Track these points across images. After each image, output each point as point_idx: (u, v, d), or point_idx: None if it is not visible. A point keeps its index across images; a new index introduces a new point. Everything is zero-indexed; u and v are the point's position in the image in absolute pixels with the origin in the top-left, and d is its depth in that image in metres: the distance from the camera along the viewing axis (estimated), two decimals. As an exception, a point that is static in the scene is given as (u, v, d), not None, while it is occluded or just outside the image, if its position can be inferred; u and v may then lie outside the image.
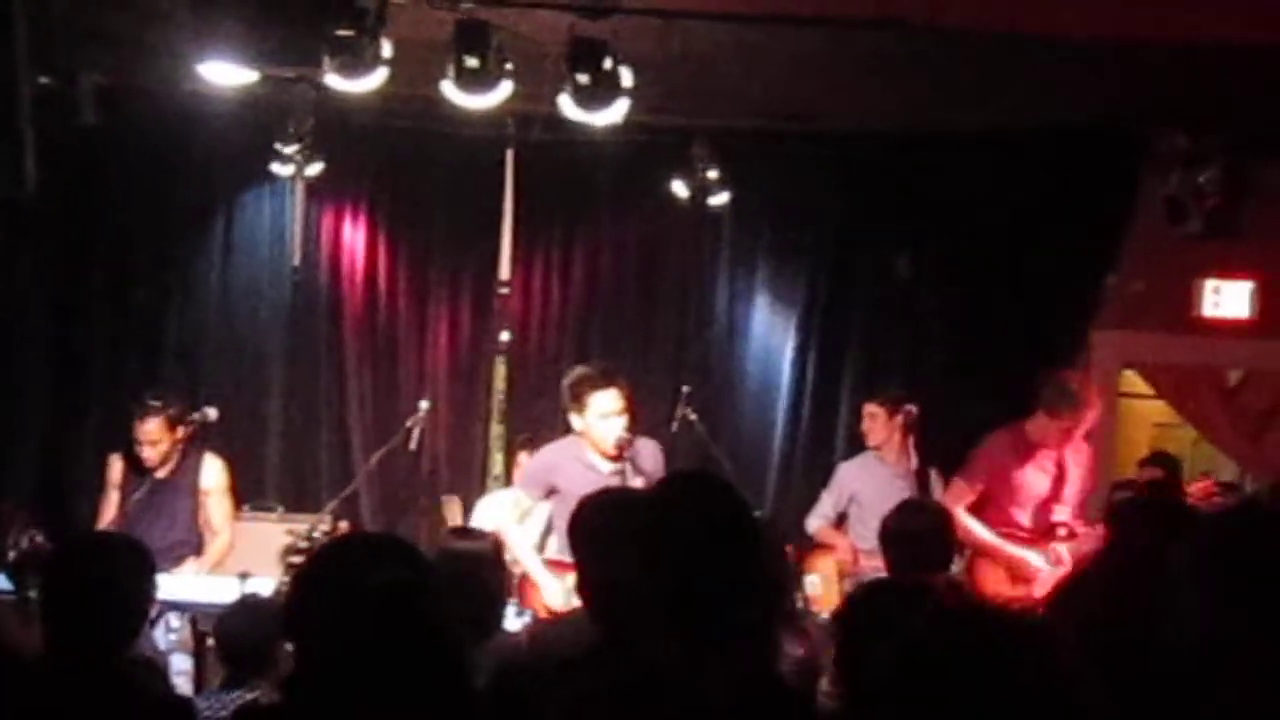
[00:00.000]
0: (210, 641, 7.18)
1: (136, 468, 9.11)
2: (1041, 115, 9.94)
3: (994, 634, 2.87)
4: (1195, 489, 9.43)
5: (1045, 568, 8.96)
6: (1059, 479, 9.18)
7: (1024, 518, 9.19)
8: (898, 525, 6.87)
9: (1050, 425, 9.10)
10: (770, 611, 3.76)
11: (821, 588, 9.16)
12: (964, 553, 8.94)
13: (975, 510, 9.22)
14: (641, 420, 8.48)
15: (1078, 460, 9.23)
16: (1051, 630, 3.05)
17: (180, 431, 9.11)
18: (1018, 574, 9.04)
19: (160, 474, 9.08)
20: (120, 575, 4.56)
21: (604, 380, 8.18)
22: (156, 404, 9.10)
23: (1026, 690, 2.76)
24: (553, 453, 8.60)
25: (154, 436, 9.01)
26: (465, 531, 6.39)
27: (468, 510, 10.38)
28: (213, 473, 9.41)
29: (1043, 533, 9.13)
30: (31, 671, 4.28)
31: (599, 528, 4.66)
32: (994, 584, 9.00)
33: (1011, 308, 10.97)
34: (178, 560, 8.86)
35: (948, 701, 2.76)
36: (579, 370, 8.48)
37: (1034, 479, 9.21)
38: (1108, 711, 2.93)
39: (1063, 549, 9.00)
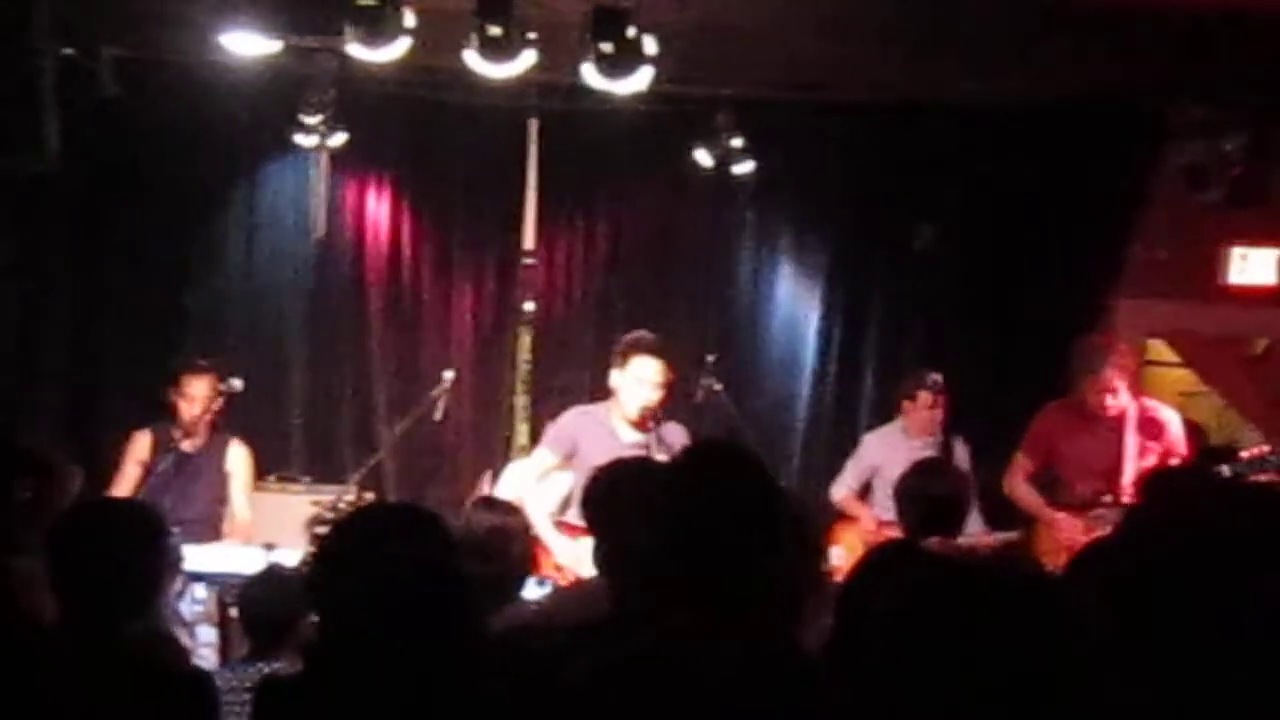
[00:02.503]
0: (234, 613, 7.18)
1: (165, 444, 9.11)
2: (1064, 84, 9.90)
3: (980, 586, 2.88)
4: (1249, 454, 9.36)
5: (1081, 534, 8.99)
6: (1117, 449, 9.15)
7: (1083, 487, 9.19)
8: (914, 486, 6.88)
9: (1089, 390, 9.12)
10: (792, 581, 3.75)
11: (846, 559, 9.16)
12: (1025, 521, 9.37)
13: (1043, 481, 9.39)
14: (671, 390, 8.52)
15: (1149, 432, 9.19)
16: (1046, 583, 3.06)
17: (220, 399, 9.15)
18: (1060, 540, 9.05)
19: (187, 447, 9.10)
20: (127, 543, 4.54)
21: (653, 349, 8.38)
22: (205, 364, 9.16)
23: (1015, 641, 2.77)
24: (580, 414, 8.68)
25: (203, 393, 9.05)
26: (490, 502, 6.38)
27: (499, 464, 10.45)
28: (239, 458, 9.44)
29: (1094, 501, 9.13)
30: (43, 641, 4.28)
31: (618, 495, 4.65)
32: (1046, 550, 9.03)
33: (1034, 277, 10.95)
34: (196, 536, 8.87)
35: (936, 651, 2.77)
36: (636, 333, 8.68)
37: (1088, 449, 9.23)
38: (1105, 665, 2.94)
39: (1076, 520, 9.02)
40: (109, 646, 4.28)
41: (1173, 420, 9.33)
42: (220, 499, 9.33)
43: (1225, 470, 8.60)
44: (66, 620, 4.40)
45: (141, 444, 9.23)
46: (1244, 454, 8.94)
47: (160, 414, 9.29)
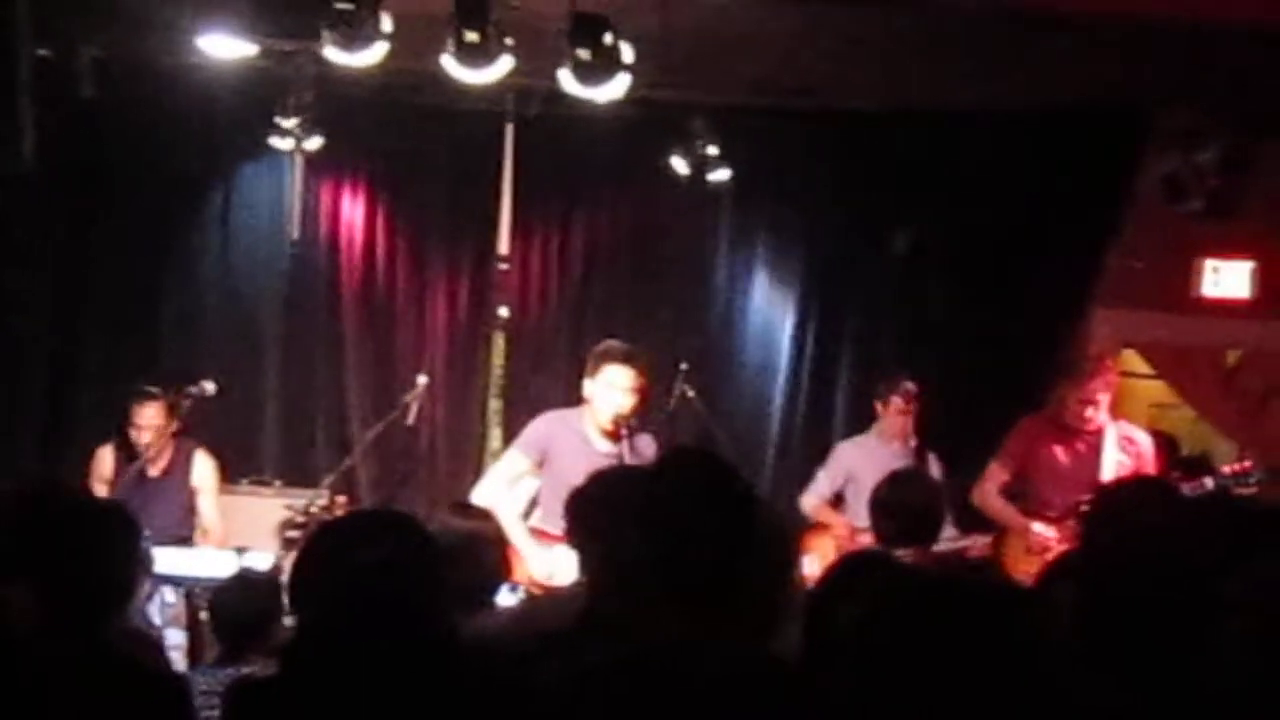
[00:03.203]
0: (204, 616, 7.17)
1: (129, 460, 9.10)
2: (1043, 93, 9.92)
3: (943, 597, 2.91)
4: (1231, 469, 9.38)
5: (1054, 540, 9.03)
6: (1092, 461, 9.18)
7: (1058, 498, 9.21)
8: (888, 496, 6.87)
9: (1067, 400, 9.18)
10: (768, 588, 3.76)
11: (819, 567, 9.16)
12: (995, 529, 9.37)
13: (1013, 492, 9.43)
14: (645, 397, 8.52)
15: (1125, 447, 9.21)
16: (1012, 595, 3.08)
17: (175, 421, 9.13)
18: (1033, 547, 9.08)
19: (152, 471, 9.12)
20: (105, 542, 4.54)
21: (624, 357, 8.30)
22: (154, 390, 9.11)
23: (976, 651, 2.80)
24: (554, 420, 8.64)
25: (154, 421, 9.02)
26: (464, 508, 6.37)
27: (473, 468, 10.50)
28: (204, 470, 9.44)
29: (1071, 513, 9.15)
30: (20, 642, 4.26)
31: (596, 502, 4.66)
32: (1015, 558, 9.11)
33: (1011, 286, 10.97)
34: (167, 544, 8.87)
35: (902, 661, 2.80)
36: (607, 341, 8.63)
37: (1064, 460, 9.27)
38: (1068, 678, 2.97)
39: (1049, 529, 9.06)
40: (87, 646, 4.27)
41: (1146, 441, 9.38)
42: (189, 514, 9.33)
43: (1209, 483, 8.65)
44: (45, 620, 4.39)
45: (104, 462, 9.24)
46: (1226, 468, 8.99)
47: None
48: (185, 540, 9.20)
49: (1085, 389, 9.11)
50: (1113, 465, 9.14)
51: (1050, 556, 8.71)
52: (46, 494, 4.89)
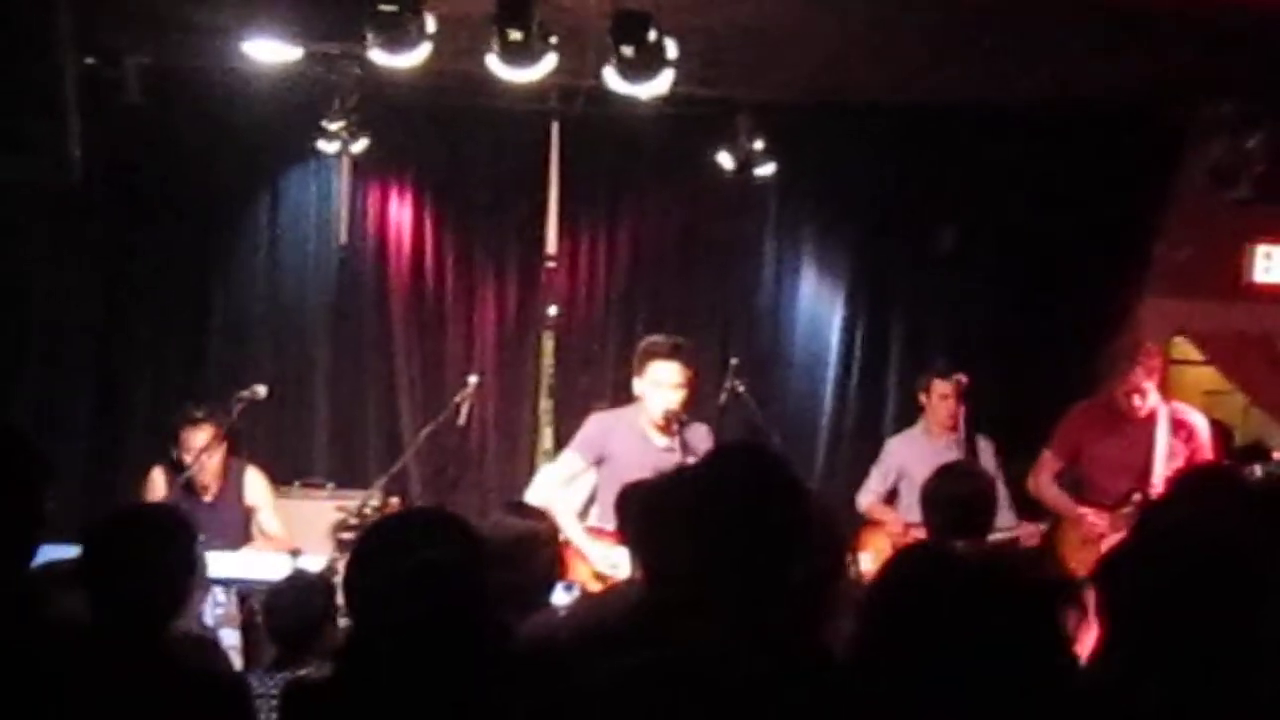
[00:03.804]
0: (259, 618, 7.18)
1: (180, 491, 9.05)
2: (1087, 84, 9.87)
3: (992, 588, 2.92)
4: None
5: (1109, 523, 9.01)
6: (1145, 447, 9.15)
7: (1112, 486, 9.19)
8: (939, 490, 6.85)
9: (1118, 391, 9.17)
10: (821, 585, 3.74)
11: (874, 563, 9.16)
12: (1051, 517, 9.42)
13: (1067, 480, 9.47)
14: (694, 389, 8.52)
15: (1179, 434, 9.19)
16: (1054, 584, 3.08)
17: (224, 442, 9.11)
18: (1088, 535, 9.06)
19: (206, 497, 9.09)
20: (162, 547, 4.56)
21: (669, 352, 8.37)
22: (201, 414, 9.09)
23: (1025, 640, 2.80)
24: (610, 417, 8.70)
25: (204, 445, 8.98)
26: (519, 507, 6.36)
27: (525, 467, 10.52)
28: (257, 487, 9.43)
29: (1124, 500, 9.12)
30: (77, 646, 4.28)
31: (646, 499, 4.65)
32: (1070, 546, 9.14)
33: (1058, 278, 10.93)
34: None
35: (949, 647, 2.80)
36: (652, 338, 8.70)
37: (1118, 449, 9.26)
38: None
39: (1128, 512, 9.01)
40: (145, 650, 4.29)
41: (1201, 423, 9.34)
42: (245, 532, 9.32)
43: (1258, 471, 8.60)
44: (102, 625, 4.41)
45: (156, 484, 9.19)
46: (1278, 454, 8.94)
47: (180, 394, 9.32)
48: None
49: (1129, 380, 9.11)
50: (1165, 449, 9.11)
51: (1105, 545, 8.70)
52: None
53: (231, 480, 9.31)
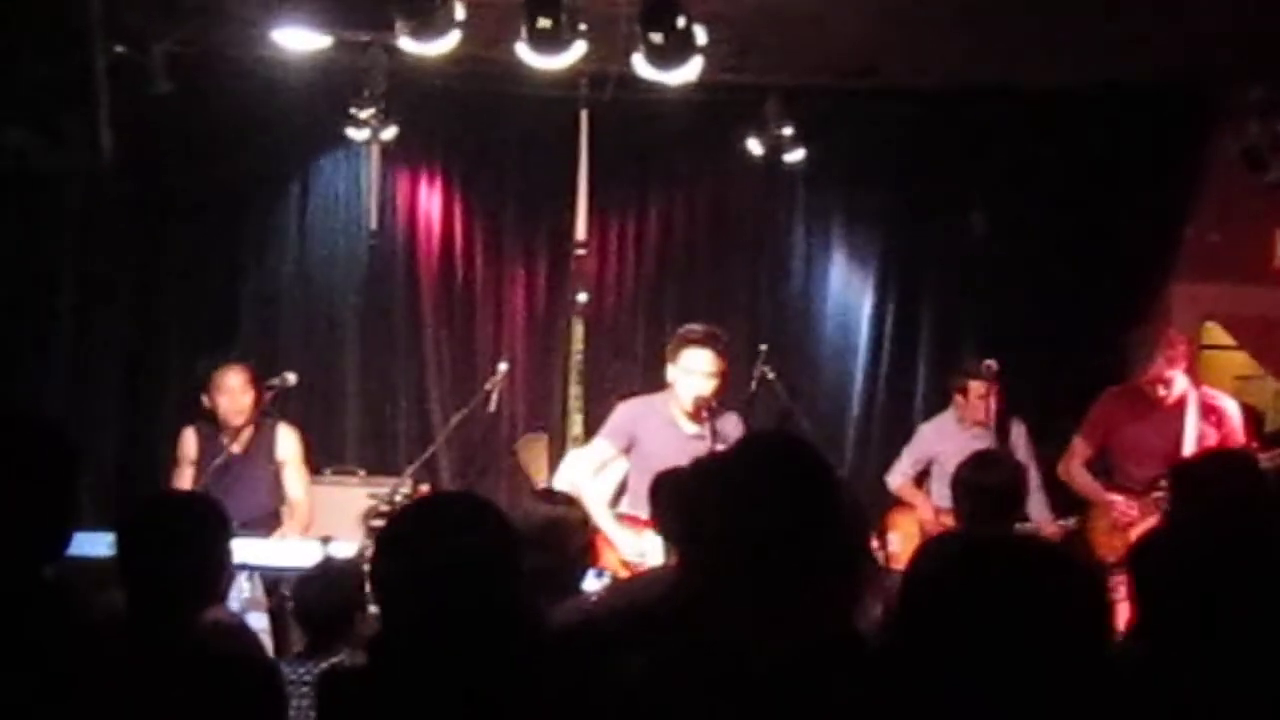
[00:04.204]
0: (288, 605, 7.18)
1: (211, 440, 9.12)
2: (1119, 68, 9.84)
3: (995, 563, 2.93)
4: None
5: (1138, 509, 8.99)
6: (1176, 435, 9.12)
7: (1142, 472, 9.16)
8: (970, 479, 6.84)
9: (1148, 377, 9.16)
10: (853, 572, 3.74)
11: (902, 545, 9.17)
12: (1081, 505, 9.45)
13: (1098, 467, 9.48)
14: (726, 378, 8.53)
15: (1208, 418, 9.16)
16: (1056, 558, 3.09)
17: (259, 394, 9.13)
18: (1118, 522, 9.05)
19: (235, 448, 9.10)
20: (196, 534, 4.57)
21: (704, 340, 8.42)
22: (236, 356, 9.20)
23: (1056, 623, 2.80)
24: (640, 404, 8.72)
25: (236, 388, 9.04)
26: (549, 494, 6.37)
27: (553, 454, 10.51)
28: (288, 443, 9.42)
29: (1153, 486, 9.10)
30: (111, 634, 4.29)
31: (678, 486, 4.66)
32: (1099, 533, 9.14)
33: (1088, 262, 10.90)
34: (258, 532, 8.88)
35: (981, 628, 2.81)
36: (686, 326, 8.72)
37: (1147, 435, 9.23)
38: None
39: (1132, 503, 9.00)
40: (178, 637, 4.31)
41: (1231, 407, 9.32)
42: (275, 491, 9.34)
43: None
44: (136, 613, 4.43)
45: (188, 442, 9.23)
46: None
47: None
48: (274, 516, 9.25)
49: (1153, 372, 9.11)
50: (1195, 435, 9.09)
51: (1135, 533, 8.69)
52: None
53: (264, 434, 9.31)
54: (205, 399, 9.18)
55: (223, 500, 8.45)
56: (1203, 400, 9.20)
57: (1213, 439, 9.06)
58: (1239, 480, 5.53)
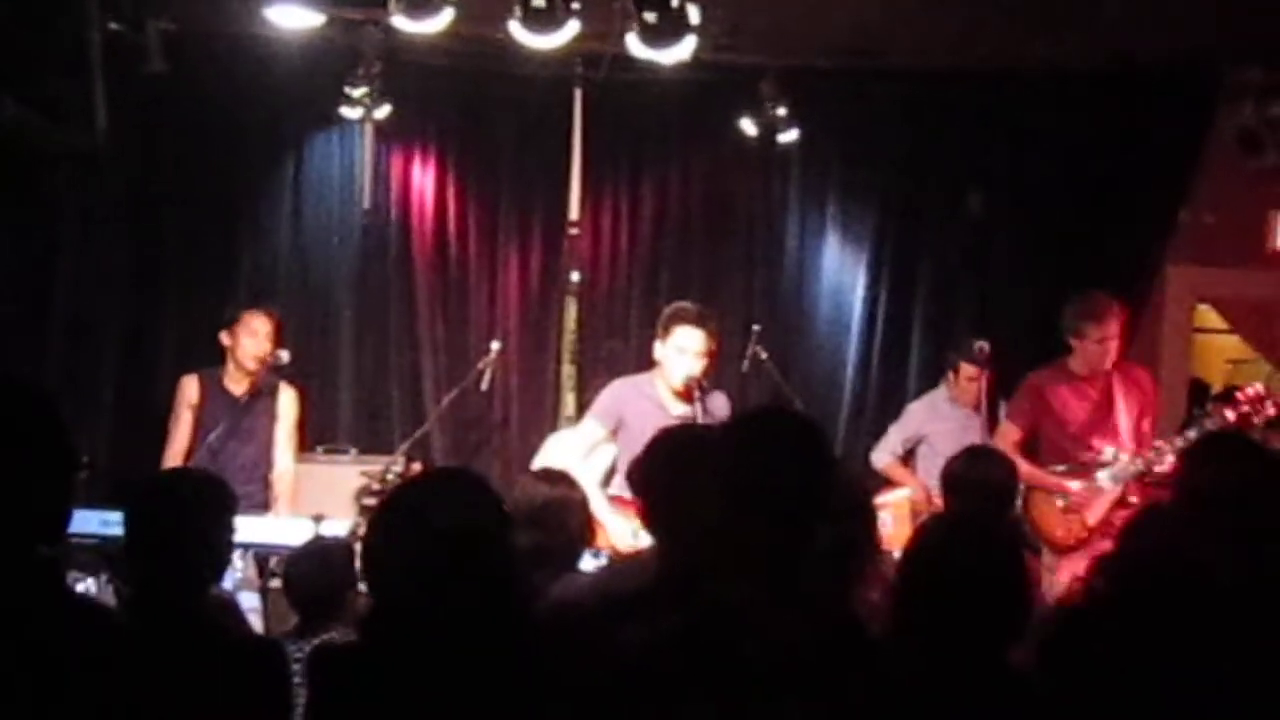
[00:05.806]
0: (276, 582, 7.18)
1: (212, 387, 9.14)
2: (1114, 49, 9.84)
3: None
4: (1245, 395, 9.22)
5: (1088, 491, 8.92)
6: (1106, 409, 9.09)
7: (1074, 450, 9.11)
8: (963, 472, 6.83)
9: (1080, 349, 9.09)
10: (850, 552, 3.75)
11: (893, 527, 9.17)
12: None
13: (1032, 447, 9.28)
14: (715, 359, 8.52)
15: (1131, 391, 9.13)
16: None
17: (276, 346, 9.16)
18: (1067, 503, 8.99)
19: (237, 390, 9.12)
20: (201, 513, 4.58)
21: (695, 319, 8.38)
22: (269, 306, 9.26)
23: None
24: (626, 386, 8.69)
25: (263, 333, 9.07)
26: (548, 474, 6.35)
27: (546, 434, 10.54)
28: (287, 400, 9.41)
29: (1092, 463, 9.05)
30: (116, 616, 4.30)
31: (672, 464, 4.65)
32: (1047, 515, 9.02)
33: (1083, 244, 10.90)
34: (255, 479, 9.00)
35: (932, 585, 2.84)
36: (677, 304, 8.69)
37: (1076, 410, 9.16)
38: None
39: (1104, 475, 8.94)
40: (184, 616, 4.31)
41: (1146, 376, 9.28)
42: (269, 456, 9.35)
43: (1229, 415, 8.53)
44: (141, 591, 4.44)
45: (190, 388, 9.24)
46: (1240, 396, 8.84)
47: (208, 362, 9.34)
48: (265, 474, 9.28)
49: (1105, 328, 8.97)
50: (1124, 406, 9.05)
51: (1090, 515, 8.72)
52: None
53: (266, 388, 9.31)
54: (226, 336, 9.19)
55: (222, 443, 8.55)
56: (1124, 373, 9.14)
57: (1139, 407, 9.05)
58: (1246, 461, 5.50)
